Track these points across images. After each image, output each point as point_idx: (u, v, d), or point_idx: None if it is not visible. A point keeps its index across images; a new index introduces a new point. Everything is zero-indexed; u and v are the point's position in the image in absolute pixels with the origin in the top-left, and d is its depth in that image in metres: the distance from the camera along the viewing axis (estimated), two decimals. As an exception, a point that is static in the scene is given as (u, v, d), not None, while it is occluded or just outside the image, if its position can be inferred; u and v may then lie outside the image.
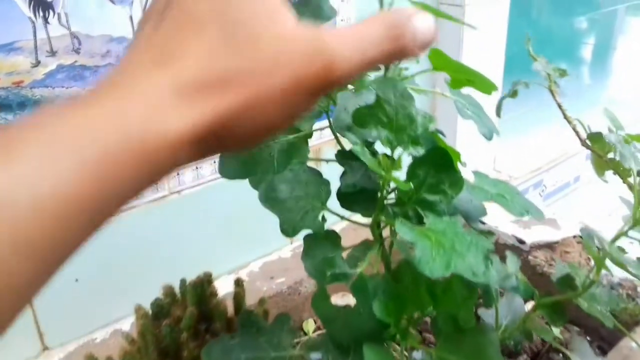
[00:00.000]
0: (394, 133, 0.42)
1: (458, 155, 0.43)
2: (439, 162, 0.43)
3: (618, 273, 1.04)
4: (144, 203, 0.88)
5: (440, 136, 0.47)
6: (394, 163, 0.41)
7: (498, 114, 0.84)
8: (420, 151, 0.42)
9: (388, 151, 0.43)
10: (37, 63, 0.73)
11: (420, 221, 0.43)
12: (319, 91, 0.28)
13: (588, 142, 0.67)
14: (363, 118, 0.41)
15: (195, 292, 0.66)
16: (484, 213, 0.50)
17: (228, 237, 1.00)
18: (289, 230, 0.45)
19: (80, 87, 0.76)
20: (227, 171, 0.46)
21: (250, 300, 0.97)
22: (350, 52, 0.29)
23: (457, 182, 0.44)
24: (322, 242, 0.46)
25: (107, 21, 0.77)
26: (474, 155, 1.29)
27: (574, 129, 0.75)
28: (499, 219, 1.18)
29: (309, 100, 0.29)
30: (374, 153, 0.42)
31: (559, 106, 0.77)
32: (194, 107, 0.26)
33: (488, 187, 0.51)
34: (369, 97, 0.45)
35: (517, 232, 1.15)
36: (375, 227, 0.47)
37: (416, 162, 0.44)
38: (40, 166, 0.22)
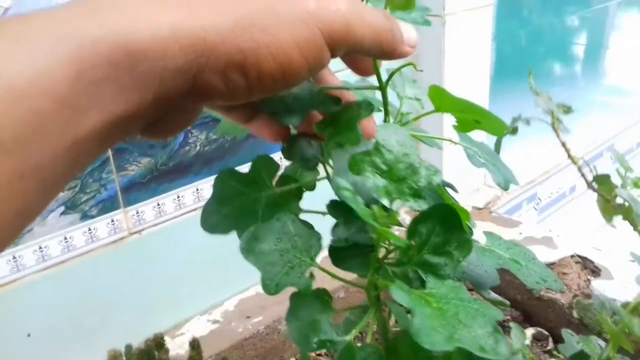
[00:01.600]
0: (393, 183, 0.38)
1: (467, 214, 0.38)
2: (445, 220, 0.38)
3: (620, 296, 0.98)
4: (101, 246, 0.81)
5: (449, 190, 0.43)
6: (391, 216, 0.36)
7: (497, 151, 0.79)
8: (422, 205, 0.38)
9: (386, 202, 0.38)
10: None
11: (422, 285, 0.38)
12: (334, 46, 0.31)
13: (595, 184, 0.61)
14: (359, 164, 0.37)
15: (142, 361, 0.59)
16: (496, 281, 0.45)
17: (198, 275, 0.92)
18: (270, 287, 0.40)
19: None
20: (209, 224, 0.43)
21: (225, 344, 0.90)
22: (362, 24, 0.32)
23: (465, 243, 0.38)
24: (310, 302, 0.41)
25: None
26: (464, 170, 1.22)
27: (580, 170, 0.70)
28: (491, 239, 1.11)
29: (322, 53, 0.31)
30: (368, 205, 0.36)
31: (563, 145, 0.72)
32: (196, 13, 0.28)
33: (500, 250, 0.46)
34: (368, 146, 0.41)
35: (511, 254, 1.09)
36: (372, 289, 0.41)
37: (419, 218, 0.39)
38: (15, 49, 0.23)
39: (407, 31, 0.35)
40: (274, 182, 0.43)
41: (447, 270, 0.38)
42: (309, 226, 0.42)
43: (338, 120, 0.40)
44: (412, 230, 0.39)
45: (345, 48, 0.32)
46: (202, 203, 0.90)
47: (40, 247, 0.75)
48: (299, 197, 0.44)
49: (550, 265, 1.07)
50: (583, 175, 0.70)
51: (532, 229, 1.16)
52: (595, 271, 1.06)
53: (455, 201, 0.42)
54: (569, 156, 0.73)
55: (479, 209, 1.24)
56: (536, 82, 0.88)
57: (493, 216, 1.22)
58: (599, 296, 0.60)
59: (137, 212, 0.83)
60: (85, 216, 0.78)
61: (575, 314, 1.01)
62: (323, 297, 0.41)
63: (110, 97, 0.25)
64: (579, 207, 1.57)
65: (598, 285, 1.02)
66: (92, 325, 0.83)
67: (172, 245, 0.88)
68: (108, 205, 0.79)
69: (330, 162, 0.42)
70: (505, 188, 0.45)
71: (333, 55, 0.32)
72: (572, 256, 1.08)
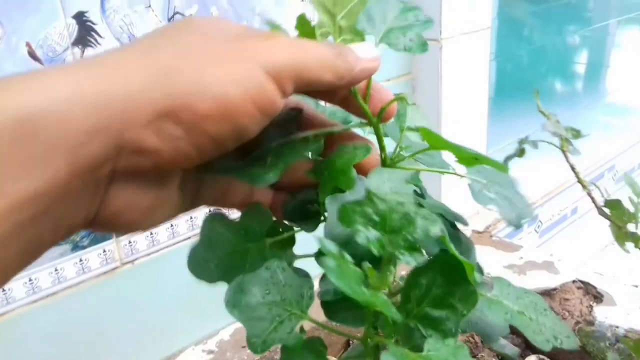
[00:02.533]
0: (386, 235, 0.35)
1: (472, 266, 0.35)
2: (447, 271, 0.35)
3: (623, 323, 0.96)
4: (93, 277, 0.80)
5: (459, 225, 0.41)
6: (383, 279, 0.34)
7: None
8: (418, 259, 0.35)
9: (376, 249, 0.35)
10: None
11: (423, 338, 0.36)
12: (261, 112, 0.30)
13: (605, 209, 0.59)
14: (348, 215, 0.34)
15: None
16: (505, 331, 0.42)
17: (192, 304, 0.91)
18: (257, 345, 0.37)
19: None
20: (197, 272, 0.40)
21: (219, 375, 0.88)
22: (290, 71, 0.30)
23: (470, 296, 0.35)
24: (302, 354, 0.39)
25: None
26: (463, 192, 1.20)
27: (589, 195, 0.68)
28: (491, 264, 1.10)
29: (267, 90, 0.29)
30: (360, 262, 0.34)
31: (572, 169, 0.70)
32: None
33: (509, 300, 0.42)
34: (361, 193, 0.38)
35: (512, 279, 1.07)
36: (368, 340, 0.38)
37: (419, 270, 0.36)
38: None
39: (361, 47, 0.34)
40: (265, 232, 0.40)
41: (450, 325, 0.35)
42: (302, 273, 0.39)
43: (332, 164, 0.37)
44: (411, 282, 0.36)
45: (294, 82, 0.30)
46: (196, 231, 0.89)
47: (30, 279, 0.74)
48: (292, 244, 0.41)
49: (552, 290, 1.06)
50: (593, 200, 0.69)
51: (533, 253, 1.14)
52: (598, 297, 1.04)
53: (466, 236, 0.41)
54: (579, 180, 0.71)
55: (479, 232, 1.22)
56: (534, 100, 0.87)
57: (493, 240, 1.20)
58: (601, 323, 0.58)
59: (130, 242, 0.82)
60: (76, 247, 0.77)
61: (577, 341, 0.99)
62: (317, 348, 0.39)
63: (9, 178, 0.23)
64: (580, 229, 1.55)
65: (600, 312, 1.01)
66: (85, 357, 0.82)
67: (166, 275, 0.86)
68: (100, 236, 0.78)
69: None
70: (517, 226, 0.40)
71: (285, 93, 0.30)
72: (574, 281, 1.06)
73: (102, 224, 0.29)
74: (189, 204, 0.36)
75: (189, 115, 0.27)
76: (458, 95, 1.10)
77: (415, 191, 0.39)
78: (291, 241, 0.41)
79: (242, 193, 0.39)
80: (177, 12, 0.76)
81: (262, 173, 0.36)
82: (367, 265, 0.34)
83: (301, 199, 0.40)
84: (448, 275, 0.35)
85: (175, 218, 0.86)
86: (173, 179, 0.33)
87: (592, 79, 2.64)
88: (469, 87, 1.13)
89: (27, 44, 0.67)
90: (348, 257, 0.33)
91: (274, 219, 0.40)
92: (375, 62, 0.33)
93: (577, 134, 0.61)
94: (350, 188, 0.36)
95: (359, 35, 0.37)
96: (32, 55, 0.68)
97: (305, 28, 0.34)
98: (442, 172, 0.43)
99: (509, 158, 0.69)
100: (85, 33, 0.71)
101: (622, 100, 2.39)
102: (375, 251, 0.34)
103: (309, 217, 0.40)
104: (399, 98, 0.38)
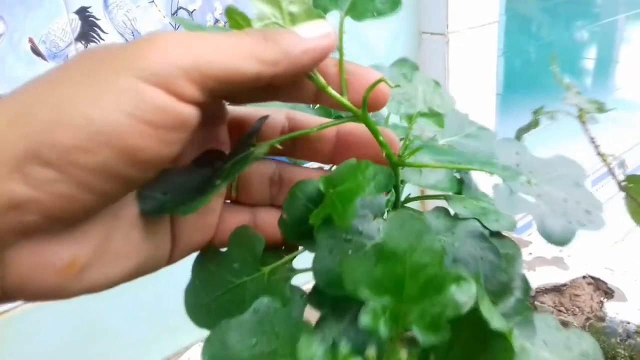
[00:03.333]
0: (402, 304, 0.26)
1: (510, 332, 0.26)
2: (478, 330, 0.27)
3: (635, 319, 0.95)
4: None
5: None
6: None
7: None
8: (444, 335, 0.26)
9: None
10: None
11: None
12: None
13: (626, 184, 0.56)
14: (353, 274, 0.26)
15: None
16: None
17: (155, 321, 0.90)
18: None
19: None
20: (194, 317, 0.34)
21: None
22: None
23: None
24: None
25: (39, 79, 0.69)
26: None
27: (609, 169, 0.65)
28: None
29: (163, 106, 0.25)
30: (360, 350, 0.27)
31: (592, 141, 0.67)
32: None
33: (556, 355, 0.33)
34: (362, 236, 0.30)
35: (521, 275, 1.06)
36: None
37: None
38: None
39: (304, 27, 0.29)
40: (260, 259, 0.34)
41: None
42: (298, 311, 0.31)
43: (335, 184, 0.30)
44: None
45: (199, 82, 0.25)
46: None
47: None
48: (286, 281, 0.34)
49: (562, 286, 1.05)
50: (613, 174, 0.66)
51: (542, 249, 1.13)
52: (609, 292, 1.03)
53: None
54: (599, 153, 0.69)
55: (488, 229, 1.21)
56: (546, 96, 0.86)
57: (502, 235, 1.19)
58: (612, 319, 0.57)
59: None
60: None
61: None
62: None
63: None
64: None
65: (611, 308, 0.99)
66: (94, 355, 0.81)
67: (125, 292, 0.86)
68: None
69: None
70: (561, 243, 0.29)
71: (190, 99, 0.25)
72: (584, 277, 1.05)
73: (10, 295, 0.25)
74: (168, 250, 0.31)
75: (54, 152, 0.23)
76: (465, 90, 1.09)
77: (455, 177, 0.36)
78: (289, 277, 0.34)
79: (240, 220, 0.34)
80: (181, 7, 0.76)
81: (196, 200, 0.29)
82: (372, 349, 0.27)
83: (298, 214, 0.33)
84: (479, 334, 0.27)
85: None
86: (107, 225, 0.27)
87: (601, 74, 2.62)
88: (477, 81, 1.12)
89: (30, 40, 0.67)
90: (343, 344, 0.26)
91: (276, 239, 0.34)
92: (325, 39, 0.28)
93: (600, 107, 0.58)
94: (343, 228, 0.29)
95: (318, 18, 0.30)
96: (35, 50, 0.67)
97: (237, 22, 0.29)
98: (468, 169, 0.34)
99: (522, 131, 0.64)
100: (88, 28, 0.70)
101: (632, 95, 2.37)
102: (385, 331, 0.25)
103: (312, 234, 0.32)
104: (380, 80, 0.30)
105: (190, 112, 0.26)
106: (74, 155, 0.23)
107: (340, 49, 0.30)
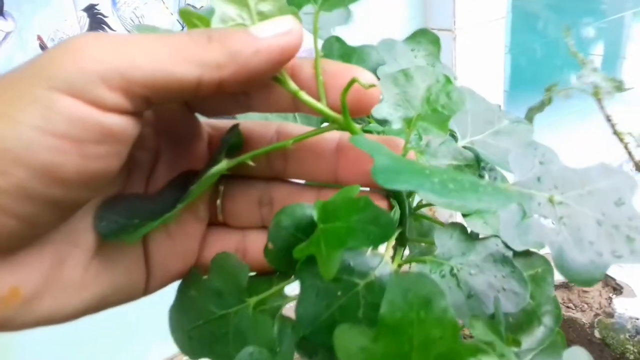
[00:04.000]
0: None
1: None
2: None
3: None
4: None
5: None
6: None
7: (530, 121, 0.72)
8: None
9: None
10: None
11: None
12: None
13: None
14: (348, 351, 0.22)
15: None
16: None
17: (155, 321, 0.90)
18: None
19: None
20: (178, 342, 0.31)
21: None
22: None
23: None
24: None
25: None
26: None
27: (626, 148, 0.64)
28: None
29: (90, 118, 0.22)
30: None
31: (608, 119, 0.65)
32: None
33: None
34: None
35: (529, 272, 1.06)
36: None
37: None
38: None
39: (262, 25, 0.25)
40: (246, 289, 0.30)
41: None
42: (287, 348, 0.28)
43: (326, 224, 0.25)
44: None
45: (125, 89, 0.22)
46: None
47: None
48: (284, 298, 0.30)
49: (571, 283, 1.04)
50: (630, 153, 0.65)
51: (550, 245, 1.13)
52: (617, 289, 1.03)
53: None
54: (615, 132, 0.67)
55: (495, 225, 1.21)
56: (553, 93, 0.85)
57: (510, 233, 1.19)
58: (621, 315, 0.57)
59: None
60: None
61: (597, 333, 0.98)
62: None
63: None
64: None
65: (620, 304, 0.99)
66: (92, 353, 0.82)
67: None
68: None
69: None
70: (586, 283, 0.24)
71: (115, 109, 0.23)
72: (592, 273, 1.05)
73: None
74: (143, 279, 0.29)
75: None
76: (473, 86, 1.09)
77: (477, 160, 0.31)
78: (276, 309, 0.30)
79: (230, 244, 0.31)
80: (188, 4, 0.76)
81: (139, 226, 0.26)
82: None
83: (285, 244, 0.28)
84: None
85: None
86: (58, 252, 0.25)
87: (608, 70, 2.61)
88: (484, 78, 1.12)
89: (39, 37, 0.67)
90: None
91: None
92: (285, 36, 0.24)
93: (619, 85, 0.56)
94: (327, 278, 0.23)
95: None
96: (44, 48, 0.68)
97: (194, 24, 0.26)
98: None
99: (533, 110, 0.61)
100: (96, 26, 0.71)
101: (639, 91, 2.37)
102: None
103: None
104: (353, 81, 0.25)
105: (118, 122, 0.23)
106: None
107: (315, 47, 0.27)
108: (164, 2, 0.74)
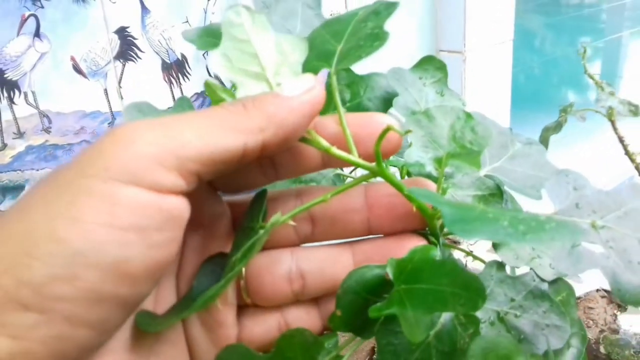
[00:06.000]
0: None
1: None
2: None
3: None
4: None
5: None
6: None
7: (544, 146, 0.74)
8: None
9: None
10: (4, 146, 0.67)
11: None
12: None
13: None
14: None
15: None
16: None
17: None
18: None
19: (52, 167, 0.71)
20: None
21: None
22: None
23: None
24: None
25: (80, 96, 0.71)
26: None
27: (637, 169, 0.66)
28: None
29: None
30: None
31: (621, 141, 0.67)
32: None
33: None
34: None
35: (535, 288, 1.08)
36: None
37: None
38: None
39: (286, 86, 0.25)
40: None
41: None
42: None
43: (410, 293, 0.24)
44: None
45: (180, 169, 0.22)
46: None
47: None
48: None
49: (576, 299, 1.07)
50: None
51: (556, 262, 1.16)
52: (622, 305, 1.05)
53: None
54: (627, 152, 0.69)
55: (501, 242, 1.23)
56: (550, 111, 0.88)
57: (516, 250, 1.21)
58: (626, 332, 0.59)
59: None
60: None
61: (602, 349, 1.00)
62: None
63: None
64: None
65: (625, 320, 1.01)
66: None
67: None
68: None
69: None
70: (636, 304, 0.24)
71: (188, 191, 0.23)
72: (597, 290, 1.07)
73: None
74: None
75: (29, 291, 0.20)
76: (482, 106, 1.12)
77: (499, 188, 0.31)
78: None
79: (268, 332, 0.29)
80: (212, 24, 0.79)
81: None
82: None
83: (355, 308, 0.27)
84: None
85: None
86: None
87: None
88: (492, 98, 1.15)
89: (72, 58, 0.69)
90: None
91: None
92: (310, 92, 0.25)
93: (636, 110, 0.57)
94: (415, 342, 0.23)
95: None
96: (77, 68, 0.70)
97: (218, 95, 0.26)
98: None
99: (549, 130, 0.63)
100: (126, 47, 0.73)
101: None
102: None
103: (367, 325, 0.27)
104: (388, 129, 0.26)
105: (176, 203, 0.23)
106: (52, 288, 0.20)
107: (335, 102, 0.27)
108: (190, 25, 0.77)
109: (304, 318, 0.29)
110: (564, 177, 0.27)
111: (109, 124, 0.74)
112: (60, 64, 0.69)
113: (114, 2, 0.71)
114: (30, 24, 0.66)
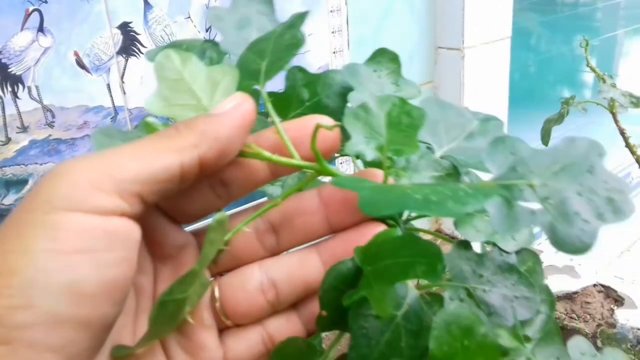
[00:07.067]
0: None
1: None
2: None
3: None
4: None
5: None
6: None
7: (545, 142, 0.74)
8: None
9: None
10: (7, 140, 0.68)
11: None
12: None
13: None
14: None
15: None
16: None
17: None
18: None
19: (56, 161, 0.71)
20: None
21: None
22: None
23: None
24: None
25: (83, 91, 0.72)
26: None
27: (638, 161, 0.67)
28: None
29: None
30: None
31: (622, 133, 0.68)
32: None
33: None
34: None
35: (533, 283, 1.09)
36: None
37: None
38: None
39: (220, 105, 0.27)
40: None
41: None
42: None
43: (377, 264, 0.25)
44: None
45: (126, 193, 0.24)
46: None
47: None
48: None
49: (573, 294, 1.08)
50: None
51: (553, 257, 1.16)
52: (619, 300, 1.06)
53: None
54: (627, 144, 0.70)
55: (499, 238, 1.24)
56: (546, 109, 0.89)
57: (513, 245, 1.22)
58: (623, 326, 0.60)
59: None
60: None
61: (599, 343, 1.01)
62: None
63: None
64: (598, 235, 1.57)
65: (622, 315, 1.02)
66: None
67: None
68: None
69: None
70: (581, 251, 0.24)
71: (133, 213, 0.24)
72: (594, 285, 1.08)
73: None
74: None
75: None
76: (480, 102, 1.13)
77: (455, 167, 0.32)
78: None
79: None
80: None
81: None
82: None
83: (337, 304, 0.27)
84: None
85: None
86: None
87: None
88: (491, 94, 1.16)
89: (75, 53, 0.70)
90: None
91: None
92: (242, 104, 0.27)
93: (637, 101, 0.58)
94: (384, 317, 0.25)
95: None
96: (80, 63, 0.70)
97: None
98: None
99: (550, 122, 0.64)
100: (129, 42, 0.73)
101: (632, 108, 2.41)
102: None
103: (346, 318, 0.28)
104: (318, 127, 0.27)
105: (122, 224, 0.24)
106: (12, 318, 0.21)
107: (268, 111, 0.29)
108: (192, 21, 0.77)
109: (286, 326, 0.30)
110: (501, 144, 0.27)
111: (111, 118, 0.75)
112: (63, 59, 0.69)
113: (117, -3, 0.71)
114: (34, 18, 0.66)
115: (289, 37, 0.29)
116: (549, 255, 1.17)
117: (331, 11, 0.92)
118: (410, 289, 0.27)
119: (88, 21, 0.70)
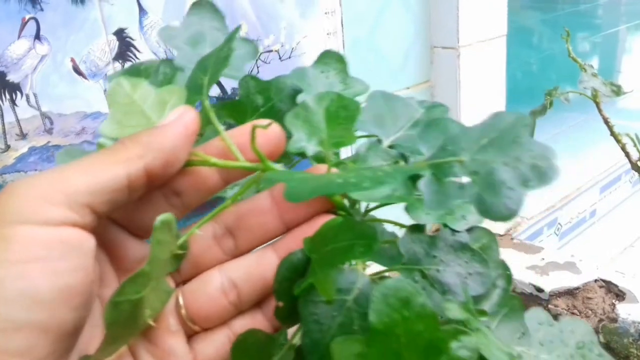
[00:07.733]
0: None
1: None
2: None
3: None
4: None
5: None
6: None
7: (530, 134, 0.75)
8: None
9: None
10: (7, 148, 0.69)
11: None
12: None
13: None
14: None
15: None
16: None
17: None
18: None
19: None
20: None
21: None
22: None
23: None
24: None
25: (80, 97, 0.73)
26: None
27: (623, 149, 0.67)
28: (513, 266, 1.12)
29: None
30: None
31: (606, 122, 0.68)
32: None
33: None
34: None
35: (535, 280, 1.09)
36: None
37: None
38: None
39: (167, 117, 0.29)
40: None
41: None
42: None
43: (321, 250, 0.27)
44: None
45: (75, 205, 0.25)
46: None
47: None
48: None
49: (575, 290, 1.08)
50: (627, 154, 0.68)
51: (555, 254, 1.17)
52: (620, 295, 1.06)
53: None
54: (612, 133, 0.70)
55: (500, 235, 1.25)
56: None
57: (514, 242, 1.22)
58: (624, 320, 0.60)
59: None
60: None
61: (601, 338, 1.01)
62: None
63: None
64: (599, 232, 1.57)
65: (623, 309, 1.02)
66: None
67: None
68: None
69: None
70: (506, 217, 0.25)
71: (84, 223, 0.25)
72: (595, 280, 1.08)
73: None
74: None
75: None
76: (477, 102, 1.13)
77: (410, 177, 0.29)
78: None
79: None
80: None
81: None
82: None
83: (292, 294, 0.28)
84: None
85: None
86: None
87: (604, 84, 2.66)
88: (487, 93, 1.16)
89: (72, 60, 0.71)
90: None
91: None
92: (184, 115, 0.28)
93: (618, 90, 0.59)
94: (328, 299, 0.26)
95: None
96: (77, 70, 0.72)
97: None
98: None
99: (535, 113, 0.65)
100: (125, 48, 0.74)
101: (634, 105, 2.41)
102: None
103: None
104: (254, 127, 0.29)
105: (74, 234, 0.25)
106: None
107: (211, 120, 0.30)
108: (187, 25, 0.78)
109: (252, 325, 0.31)
110: (433, 126, 0.29)
111: (109, 124, 0.75)
112: (60, 66, 0.70)
113: (112, 4, 0.72)
114: (31, 26, 0.67)
115: (226, 49, 0.30)
116: (550, 252, 1.17)
117: (326, 13, 0.93)
118: (361, 275, 0.28)
119: (84, 28, 0.71)
